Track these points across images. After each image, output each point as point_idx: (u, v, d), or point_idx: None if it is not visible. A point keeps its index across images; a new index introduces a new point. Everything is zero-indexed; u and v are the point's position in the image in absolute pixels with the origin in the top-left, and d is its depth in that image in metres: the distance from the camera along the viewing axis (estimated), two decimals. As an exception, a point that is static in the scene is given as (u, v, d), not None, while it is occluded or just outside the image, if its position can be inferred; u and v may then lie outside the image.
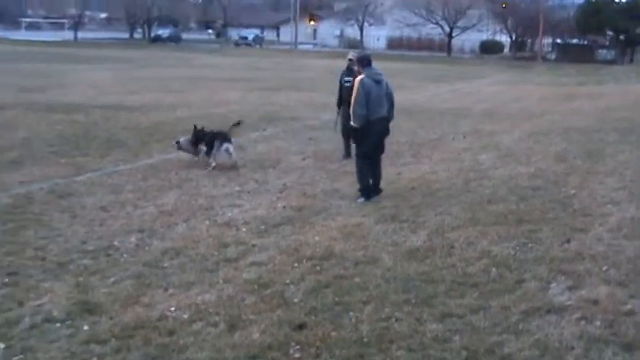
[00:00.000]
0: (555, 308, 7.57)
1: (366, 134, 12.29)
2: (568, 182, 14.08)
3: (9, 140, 17.47)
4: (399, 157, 15.87)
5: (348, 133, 14.89)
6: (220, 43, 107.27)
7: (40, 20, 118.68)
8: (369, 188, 12.48)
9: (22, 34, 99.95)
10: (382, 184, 12.85)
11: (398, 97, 13.43)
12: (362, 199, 12.33)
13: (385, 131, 12.56)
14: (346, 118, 14.50)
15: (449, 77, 40.46)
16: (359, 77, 12.33)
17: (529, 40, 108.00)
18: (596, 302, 7.73)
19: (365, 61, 12.56)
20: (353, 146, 13.78)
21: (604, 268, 8.87)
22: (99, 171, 14.34)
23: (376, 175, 12.66)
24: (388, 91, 12.47)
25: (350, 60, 15.48)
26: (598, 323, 7.17)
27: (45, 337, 6.74)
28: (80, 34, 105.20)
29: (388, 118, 12.51)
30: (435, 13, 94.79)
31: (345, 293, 7.90)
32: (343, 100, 15.56)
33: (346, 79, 15.71)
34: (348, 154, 15.78)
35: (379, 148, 12.62)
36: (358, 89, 12.09)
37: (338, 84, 16.33)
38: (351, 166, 14.54)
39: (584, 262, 9.07)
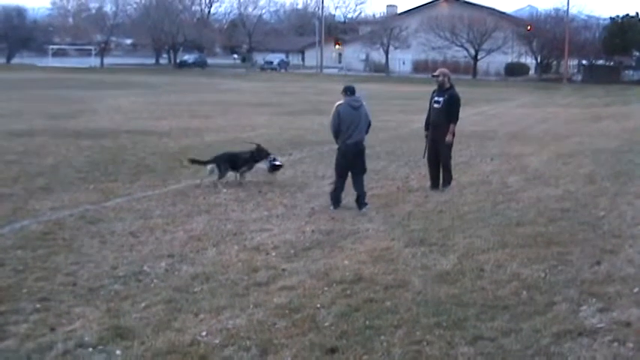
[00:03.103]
0: (587, 331, 7.54)
1: (342, 155, 13.73)
2: (597, 204, 14.00)
3: (38, 167, 17.62)
4: (427, 180, 15.82)
5: (436, 159, 15.27)
6: (246, 67, 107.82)
7: (66, 47, 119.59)
8: (337, 199, 13.78)
9: (49, 61, 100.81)
10: (411, 207, 13.06)
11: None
12: (332, 207, 13.59)
13: (360, 153, 13.75)
14: (433, 141, 15.14)
15: (475, 100, 40.35)
16: (337, 103, 13.67)
17: (554, 62, 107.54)
18: (628, 324, 7.69)
19: (348, 91, 13.72)
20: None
21: (635, 289, 8.82)
22: (128, 196, 14.42)
23: (356, 189, 13.73)
24: (366, 118, 13.70)
25: (434, 76, 15.44)
26: (631, 345, 7.14)
27: (78, 362, 6.78)
28: (106, 60, 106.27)
29: (363, 140, 13.77)
30: (460, 35, 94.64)
31: (375, 317, 7.90)
32: (431, 122, 15.39)
33: (436, 98, 15.25)
34: (434, 185, 15.52)
35: (356, 168, 13.71)
36: (334, 114, 13.60)
37: (428, 105, 15.68)
38: (386, 189, 14.63)
39: (614, 284, 9.02)
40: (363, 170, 13.91)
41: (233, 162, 15.90)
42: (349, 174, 13.79)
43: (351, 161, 13.69)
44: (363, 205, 13.55)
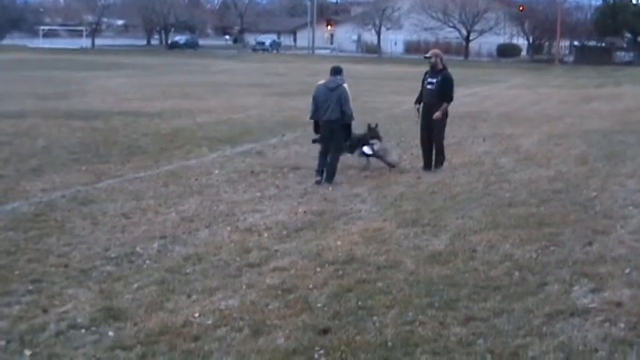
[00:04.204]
0: (579, 311, 7.56)
1: (318, 129, 14.56)
2: (589, 185, 14.03)
3: (30, 148, 17.57)
4: (419, 160, 15.83)
5: (428, 140, 15.38)
6: (237, 48, 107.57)
7: (57, 28, 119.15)
8: (316, 170, 14.33)
9: (40, 42, 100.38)
10: (403, 188, 13.37)
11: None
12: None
13: (332, 132, 14.29)
14: (426, 122, 15.35)
15: (467, 81, 40.34)
16: (318, 82, 14.52)
17: (546, 43, 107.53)
18: (619, 304, 7.71)
19: (332, 71, 14.43)
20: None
21: (626, 270, 8.84)
22: (120, 178, 14.41)
23: (326, 164, 14.30)
24: (339, 100, 14.04)
25: (427, 57, 15.44)
26: (622, 325, 7.16)
27: (70, 343, 6.78)
28: (97, 41, 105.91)
29: (336, 120, 14.16)
30: (452, 16, 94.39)
31: (368, 297, 7.92)
32: (425, 103, 15.41)
33: (429, 80, 15.23)
34: (427, 166, 15.53)
35: (330, 144, 14.32)
36: (313, 92, 14.42)
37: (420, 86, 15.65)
38: (378, 171, 14.70)
39: (606, 265, 9.05)
40: (337, 149, 14.36)
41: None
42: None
43: (324, 137, 14.41)
44: (327, 179, 14.08)
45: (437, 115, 14.95)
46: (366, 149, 15.36)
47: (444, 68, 15.20)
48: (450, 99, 15.13)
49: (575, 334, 6.97)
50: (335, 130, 14.25)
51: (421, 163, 15.63)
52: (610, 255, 9.46)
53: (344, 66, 14.88)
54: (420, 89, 15.56)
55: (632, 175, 14.97)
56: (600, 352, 6.61)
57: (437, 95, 14.99)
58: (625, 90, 43.09)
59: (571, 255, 9.49)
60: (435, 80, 15.01)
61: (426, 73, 15.43)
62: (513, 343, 6.79)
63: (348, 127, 14.40)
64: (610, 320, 7.30)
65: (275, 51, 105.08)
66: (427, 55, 15.52)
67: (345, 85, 14.15)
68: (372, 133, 15.64)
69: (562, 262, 9.20)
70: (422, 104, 15.41)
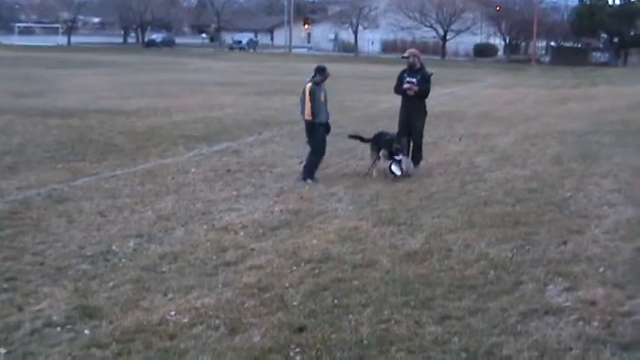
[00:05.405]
0: (553, 310, 7.61)
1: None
2: (564, 184, 14.11)
3: (5, 146, 17.46)
4: (396, 160, 15.84)
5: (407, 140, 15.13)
6: (214, 47, 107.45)
7: (33, 25, 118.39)
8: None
9: (15, 39, 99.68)
10: (379, 187, 13.51)
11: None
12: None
13: (306, 129, 14.60)
14: (406, 121, 15.38)
15: (443, 80, 40.41)
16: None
17: (523, 43, 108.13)
18: (593, 303, 7.77)
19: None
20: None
21: (600, 269, 8.90)
22: (95, 176, 14.35)
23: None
24: (301, 99, 14.36)
25: (405, 57, 15.52)
26: (596, 324, 7.22)
27: (46, 341, 6.76)
28: (73, 39, 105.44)
29: (305, 120, 14.45)
30: (429, 16, 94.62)
31: (344, 296, 7.93)
32: (404, 102, 15.45)
33: (408, 79, 15.16)
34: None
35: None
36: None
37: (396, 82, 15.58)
38: (349, 169, 14.73)
39: (580, 264, 9.11)
40: (311, 146, 14.51)
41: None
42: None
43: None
44: (303, 177, 14.21)
45: (412, 91, 15.01)
46: (395, 169, 14.42)
47: (422, 67, 15.28)
48: (426, 95, 15.20)
49: (549, 333, 7.02)
50: (306, 130, 14.53)
51: None
52: (584, 254, 9.53)
53: (315, 66, 14.84)
54: (394, 86, 15.64)
55: (607, 175, 15.06)
56: (574, 351, 6.65)
57: (418, 93, 15.04)
58: (600, 90, 43.38)
59: (546, 254, 9.55)
60: (414, 79, 15.05)
61: (403, 72, 15.44)
62: (488, 341, 6.82)
63: (310, 125, 14.34)
64: (584, 319, 7.35)
65: (252, 50, 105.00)
66: (405, 55, 15.59)
67: (308, 85, 14.18)
68: (400, 144, 14.62)
69: (537, 261, 9.26)
70: (401, 104, 15.47)
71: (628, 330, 7.08)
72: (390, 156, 14.51)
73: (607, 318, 7.36)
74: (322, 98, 14.21)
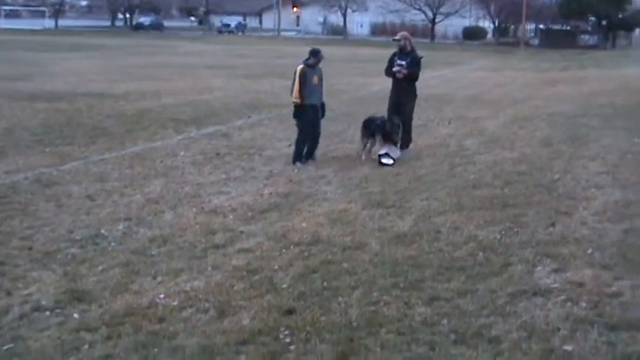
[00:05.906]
0: (541, 291, 7.65)
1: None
2: (552, 167, 14.15)
3: (-8, 129, 17.38)
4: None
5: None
6: (203, 30, 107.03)
7: (19, 8, 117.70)
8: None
9: (1, 23, 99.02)
10: (368, 170, 13.48)
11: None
12: None
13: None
14: (395, 103, 15.42)
15: (432, 63, 40.33)
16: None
17: (512, 26, 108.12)
18: (581, 284, 7.81)
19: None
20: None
21: (588, 251, 8.95)
22: (84, 159, 14.31)
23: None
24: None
25: (396, 40, 15.57)
26: (583, 305, 7.25)
27: (35, 325, 6.76)
28: (61, 22, 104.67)
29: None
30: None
31: (333, 278, 7.95)
32: (394, 84, 15.51)
33: (399, 62, 15.19)
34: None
35: None
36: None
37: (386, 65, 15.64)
38: (338, 152, 14.74)
39: (568, 246, 9.15)
40: (299, 128, 14.61)
41: None
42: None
43: None
44: (293, 160, 14.28)
45: (401, 75, 15.05)
46: (385, 160, 14.29)
47: (413, 50, 15.30)
48: (416, 78, 15.21)
49: (537, 314, 7.05)
50: (294, 112, 14.65)
51: None
52: (572, 236, 9.57)
53: (310, 48, 14.80)
54: (385, 68, 15.61)
55: (595, 158, 15.10)
56: (562, 331, 6.68)
57: (407, 76, 15.05)
58: (589, 73, 43.42)
59: (534, 236, 9.58)
60: (404, 62, 15.06)
61: (394, 55, 15.45)
62: (477, 322, 6.85)
63: (298, 107, 14.43)
64: (572, 300, 7.39)
65: (241, 33, 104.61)
66: (396, 38, 15.63)
67: (299, 67, 14.20)
68: (393, 129, 14.68)
69: (525, 242, 9.29)
70: (391, 86, 15.49)
71: (615, 311, 7.12)
72: (385, 138, 14.55)
73: (594, 299, 7.40)
74: (315, 80, 14.23)
